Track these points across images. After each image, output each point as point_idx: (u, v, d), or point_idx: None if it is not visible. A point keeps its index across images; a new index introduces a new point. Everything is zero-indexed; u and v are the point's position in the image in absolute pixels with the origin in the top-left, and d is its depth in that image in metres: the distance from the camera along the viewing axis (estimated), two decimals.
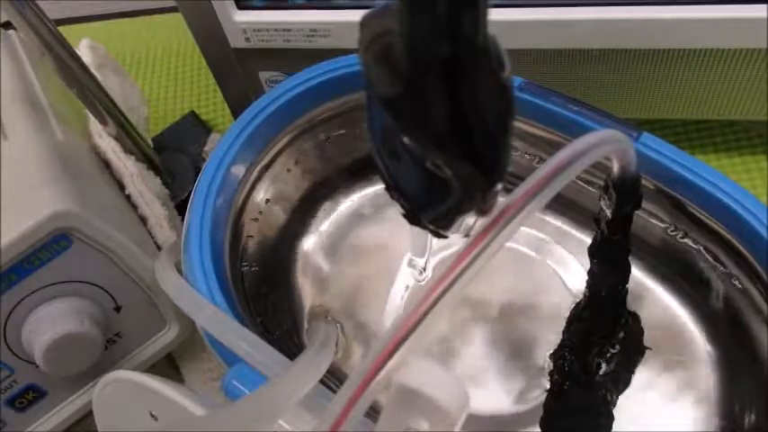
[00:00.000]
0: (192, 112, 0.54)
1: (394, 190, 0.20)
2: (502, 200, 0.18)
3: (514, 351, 0.32)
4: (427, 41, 0.14)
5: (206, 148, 0.49)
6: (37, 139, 0.36)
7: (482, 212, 0.18)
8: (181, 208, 0.43)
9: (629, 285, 0.31)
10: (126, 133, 0.41)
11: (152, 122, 0.51)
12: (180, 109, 0.56)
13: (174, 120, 0.54)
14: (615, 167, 0.23)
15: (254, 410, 0.21)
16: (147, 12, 0.64)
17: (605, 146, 0.20)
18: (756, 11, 0.35)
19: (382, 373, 0.17)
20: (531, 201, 0.17)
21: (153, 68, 0.59)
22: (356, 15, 0.40)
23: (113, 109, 0.40)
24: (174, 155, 0.49)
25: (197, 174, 0.47)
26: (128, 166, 0.40)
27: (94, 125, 0.42)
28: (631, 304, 0.30)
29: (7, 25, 0.50)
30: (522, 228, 0.34)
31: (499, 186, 0.17)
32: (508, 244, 0.31)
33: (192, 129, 0.53)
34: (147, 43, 0.61)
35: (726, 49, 0.38)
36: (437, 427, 0.17)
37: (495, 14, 0.31)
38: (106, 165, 0.41)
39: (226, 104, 0.51)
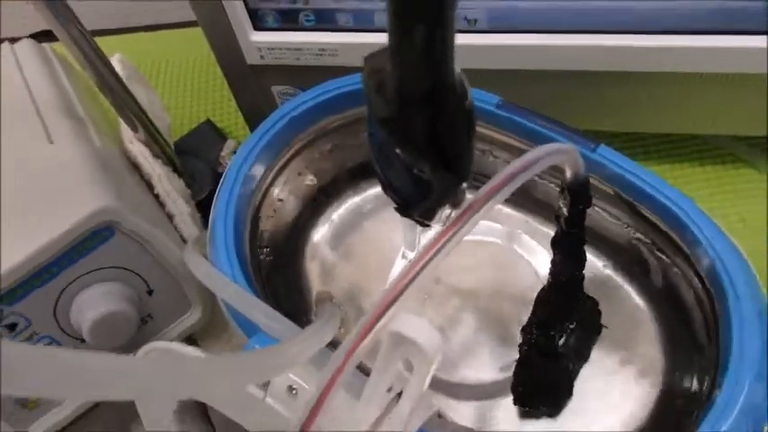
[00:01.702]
0: (208, 120, 0.60)
1: (389, 189, 0.26)
2: (470, 196, 0.24)
3: (495, 329, 0.38)
4: (411, 81, 0.20)
5: (223, 153, 0.55)
6: (79, 144, 0.42)
7: (455, 205, 0.24)
8: (200, 206, 0.49)
9: (592, 273, 0.37)
10: (153, 139, 0.47)
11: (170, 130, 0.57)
12: (196, 117, 0.62)
13: (191, 127, 0.60)
14: (568, 173, 0.29)
15: (268, 359, 0.27)
16: (164, 26, 0.69)
17: (555, 156, 0.25)
18: (712, 41, 0.41)
19: (381, 322, 0.22)
20: (492, 197, 0.23)
21: (171, 79, 0.65)
22: (360, 37, 0.46)
23: (143, 117, 0.46)
24: (193, 159, 0.54)
25: (214, 176, 0.53)
26: (155, 169, 0.46)
27: (125, 132, 0.47)
28: (593, 290, 0.36)
29: (40, 37, 0.56)
30: (499, 225, 0.41)
31: (464, 185, 0.23)
32: (488, 238, 0.37)
33: (209, 136, 0.59)
34: (165, 56, 0.66)
35: (686, 72, 0.43)
36: (419, 364, 0.22)
37: (484, 39, 0.37)
38: (135, 167, 0.47)
39: (239, 114, 0.56)
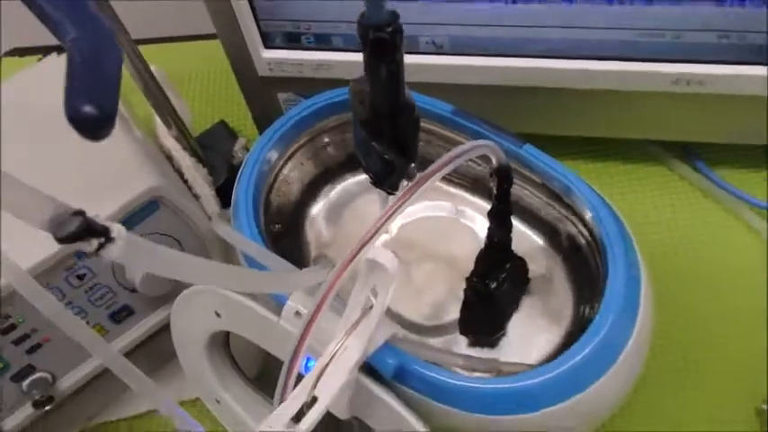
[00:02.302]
0: (222, 120, 0.73)
1: (367, 170, 0.39)
2: (419, 174, 0.36)
3: (452, 281, 0.51)
4: (379, 101, 0.33)
5: (235, 149, 0.67)
6: (128, 138, 0.54)
7: (409, 179, 0.36)
8: (218, 192, 0.61)
9: (522, 239, 0.50)
10: (183, 135, 0.60)
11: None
12: (211, 118, 0.74)
13: (206, 127, 0.72)
14: (493, 161, 0.41)
15: (280, 278, 0.40)
16: (183, 38, 0.82)
17: (479, 149, 0.38)
18: (625, 66, 0.54)
19: (359, 255, 0.35)
20: (434, 174, 0.36)
21: (190, 85, 0.78)
22: (350, 56, 0.60)
23: (176, 117, 0.59)
24: (210, 153, 0.67)
25: (229, 167, 0.66)
26: (185, 160, 0.59)
27: (160, 129, 0.60)
28: (522, 251, 0.49)
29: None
30: (451, 203, 0.54)
31: (413, 165, 0.36)
32: (443, 213, 0.50)
33: (222, 134, 0.71)
34: (184, 64, 0.79)
35: (607, 89, 0.56)
36: (382, 282, 0.35)
37: (447, 60, 0.51)
38: (168, 158, 0.60)
39: (248, 116, 0.69)
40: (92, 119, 0.26)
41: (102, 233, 0.25)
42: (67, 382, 0.53)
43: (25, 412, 0.52)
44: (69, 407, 0.55)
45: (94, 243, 0.24)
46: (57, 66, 0.62)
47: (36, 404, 0.51)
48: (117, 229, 0.26)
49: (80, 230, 0.24)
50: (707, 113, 0.57)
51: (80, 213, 0.24)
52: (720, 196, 0.62)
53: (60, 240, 0.24)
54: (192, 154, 0.60)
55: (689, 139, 0.62)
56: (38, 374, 0.51)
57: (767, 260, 0.59)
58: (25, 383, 0.51)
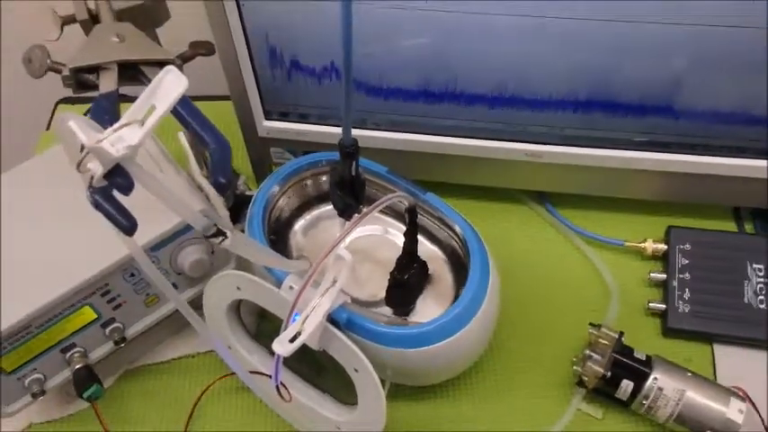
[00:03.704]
0: None
1: (335, 206, 0.71)
2: (364, 210, 0.68)
3: (382, 273, 0.82)
4: (343, 174, 0.65)
5: (239, 183, 0.98)
6: (176, 174, 0.84)
7: (359, 213, 0.68)
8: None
9: (426, 250, 0.83)
10: (209, 173, 0.90)
11: None
12: None
13: None
14: (406, 204, 0.73)
15: (279, 260, 0.71)
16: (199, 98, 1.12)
17: (397, 197, 0.70)
18: (496, 143, 0.87)
19: (331, 253, 0.66)
20: (371, 210, 0.67)
21: None
22: (321, 128, 0.96)
23: (206, 160, 0.89)
24: None
25: (234, 196, 0.96)
26: (210, 190, 0.89)
27: (194, 167, 0.90)
28: (424, 257, 0.81)
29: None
30: (382, 226, 0.86)
31: (362, 206, 0.68)
32: (378, 233, 0.84)
33: None
34: None
35: (491, 158, 0.89)
36: (342, 268, 0.67)
37: (384, 134, 0.87)
38: (198, 188, 0.90)
39: (247, 159, 0.99)
40: (225, 185, 0.58)
41: (224, 234, 0.56)
42: (131, 330, 0.82)
43: (105, 348, 0.81)
44: (118, 353, 0.84)
45: (220, 238, 0.56)
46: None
47: (116, 343, 0.81)
48: (230, 233, 0.57)
49: (216, 232, 0.55)
50: (553, 174, 0.90)
51: (215, 225, 0.56)
52: (562, 228, 0.95)
53: (207, 237, 0.55)
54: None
55: (542, 189, 0.96)
56: (116, 324, 0.80)
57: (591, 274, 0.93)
58: (108, 329, 0.80)
